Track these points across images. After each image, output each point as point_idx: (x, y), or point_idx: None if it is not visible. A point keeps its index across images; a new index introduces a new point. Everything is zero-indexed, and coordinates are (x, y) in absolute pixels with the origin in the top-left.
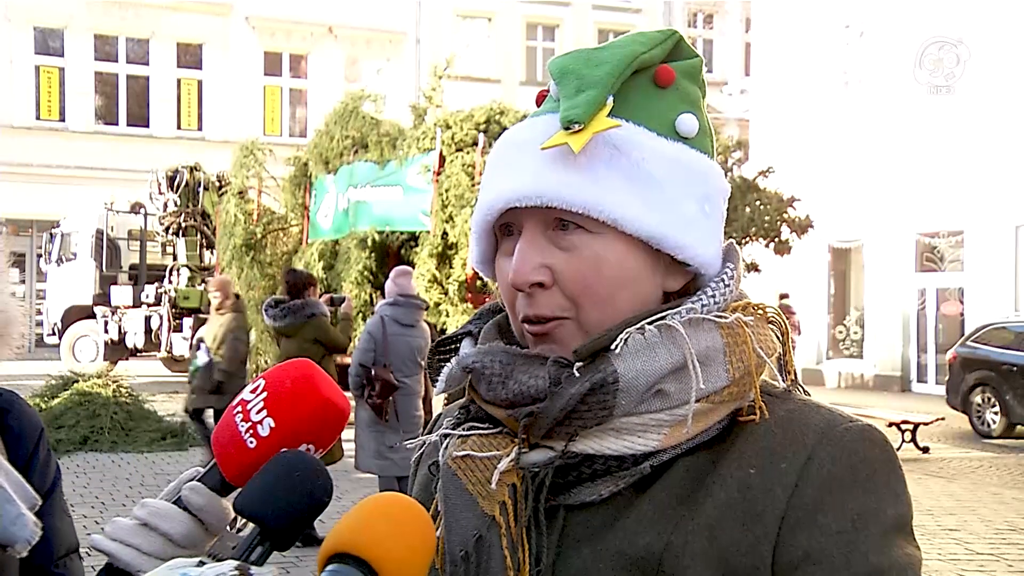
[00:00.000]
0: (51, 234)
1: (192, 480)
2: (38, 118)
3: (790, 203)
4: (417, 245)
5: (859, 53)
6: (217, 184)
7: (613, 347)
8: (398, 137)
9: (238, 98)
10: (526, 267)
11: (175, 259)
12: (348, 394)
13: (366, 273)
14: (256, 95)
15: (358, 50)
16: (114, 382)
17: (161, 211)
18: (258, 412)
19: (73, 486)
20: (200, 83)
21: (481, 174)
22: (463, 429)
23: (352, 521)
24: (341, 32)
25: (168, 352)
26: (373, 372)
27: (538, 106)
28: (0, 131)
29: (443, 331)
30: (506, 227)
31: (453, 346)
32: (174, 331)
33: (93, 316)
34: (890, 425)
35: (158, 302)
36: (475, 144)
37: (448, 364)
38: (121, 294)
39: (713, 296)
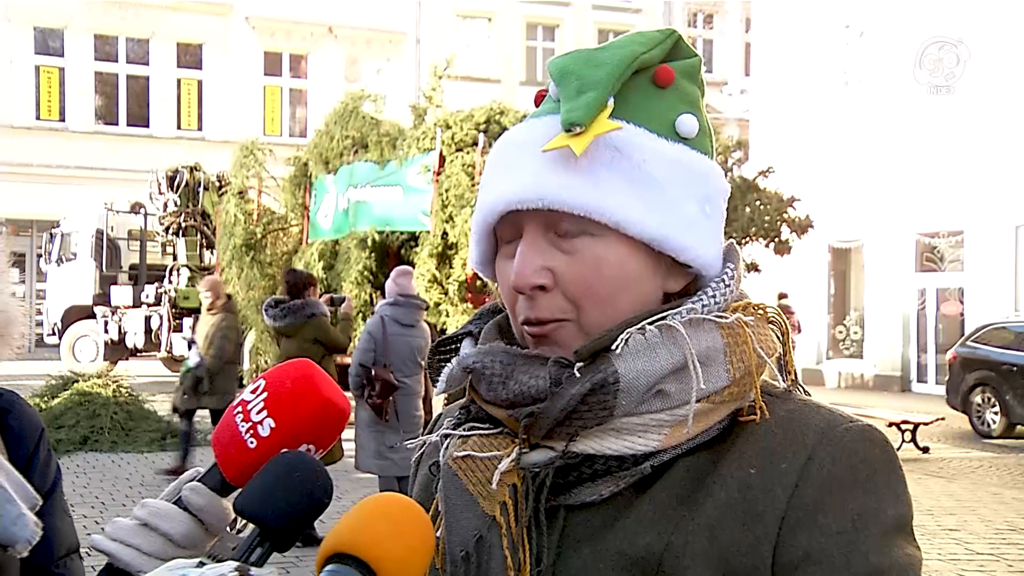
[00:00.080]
0: (51, 234)
1: (192, 480)
2: (38, 118)
3: (790, 203)
4: (417, 245)
5: (859, 53)
6: (217, 184)
7: (614, 347)
8: (398, 137)
9: (238, 98)
10: (527, 269)
11: (175, 259)
12: (348, 394)
13: (366, 273)
14: (256, 95)
15: (358, 50)
16: (114, 382)
17: (161, 211)
18: (258, 412)
19: (73, 486)
20: (200, 83)
21: (481, 174)
22: (464, 429)
23: (351, 521)
24: (341, 32)
25: (168, 352)
26: (373, 372)
27: (537, 106)
28: (0, 131)
29: (443, 331)
30: (507, 229)
31: (453, 346)
32: (174, 331)
33: (93, 316)
34: (890, 425)
35: (158, 302)
36: (475, 144)
37: (448, 364)
38: (121, 294)
39: (714, 296)
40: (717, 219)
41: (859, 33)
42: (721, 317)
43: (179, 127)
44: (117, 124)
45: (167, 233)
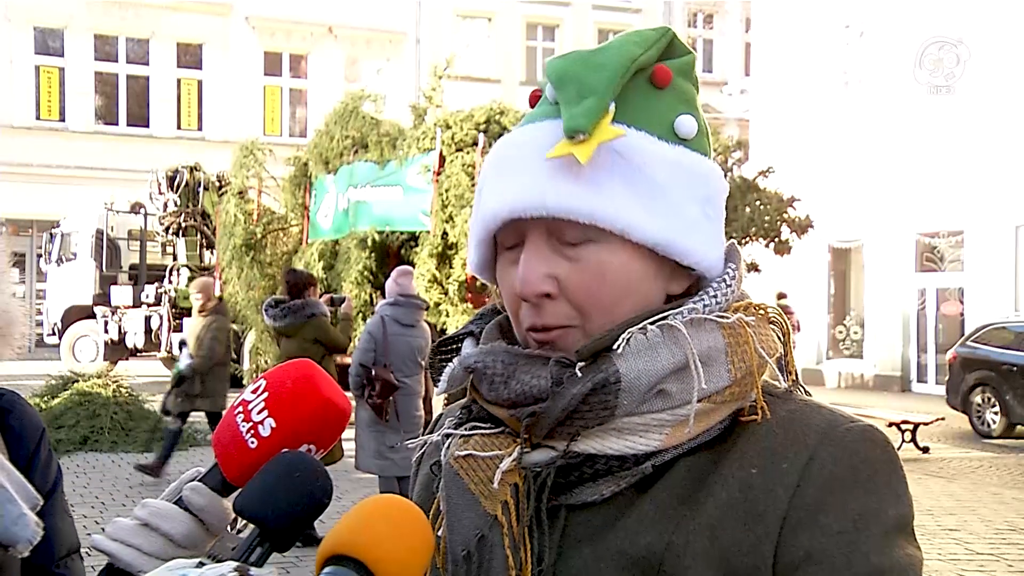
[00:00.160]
0: (51, 234)
1: (193, 480)
2: (38, 118)
3: (790, 203)
4: (417, 245)
5: (859, 53)
6: (217, 184)
7: (615, 347)
8: (398, 137)
9: (238, 98)
10: (532, 277)
11: (175, 259)
12: (348, 394)
13: (366, 273)
14: (256, 95)
15: (358, 50)
16: (114, 382)
17: (161, 211)
18: (259, 412)
19: (73, 486)
20: (200, 83)
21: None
22: (465, 429)
23: (351, 523)
24: (341, 32)
25: (168, 352)
26: (373, 372)
27: (531, 106)
28: (0, 131)
29: (443, 331)
30: (508, 235)
31: (455, 346)
32: (174, 331)
33: (93, 316)
34: (890, 425)
35: (158, 302)
36: (475, 144)
37: (450, 364)
38: (121, 294)
39: (715, 296)
40: (718, 220)
41: (859, 33)
42: (722, 317)
43: (179, 127)
44: (117, 124)
45: (167, 233)
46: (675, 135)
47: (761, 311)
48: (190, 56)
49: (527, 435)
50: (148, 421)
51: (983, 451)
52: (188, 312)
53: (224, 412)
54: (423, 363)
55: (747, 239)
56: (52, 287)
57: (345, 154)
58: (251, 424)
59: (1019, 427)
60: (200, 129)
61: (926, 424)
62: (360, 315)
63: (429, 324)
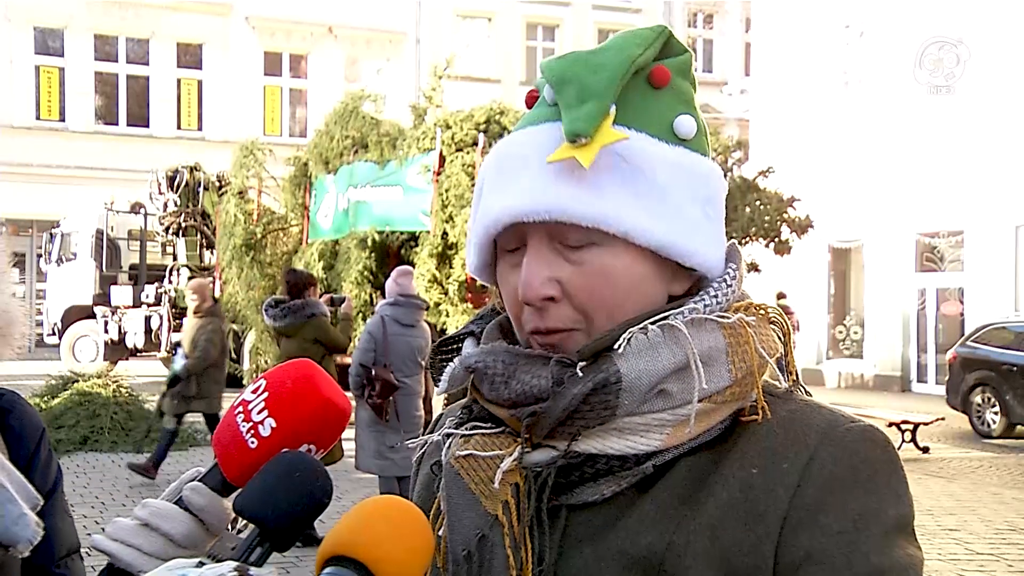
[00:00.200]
0: (51, 234)
1: (193, 480)
2: (38, 118)
3: (790, 203)
4: (417, 245)
5: (859, 53)
6: (217, 184)
7: (616, 347)
8: (398, 137)
9: (238, 98)
10: (536, 281)
11: (175, 259)
12: (348, 394)
13: (366, 273)
14: (256, 95)
15: (358, 50)
16: (114, 382)
17: (161, 211)
18: (259, 412)
19: (73, 486)
20: (200, 83)
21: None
22: (466, 429)
23: (351, 523)
24: (341, 32)
25: (168, 352)
26: (373, 372)
27: (528, 107)
28: (0, 131)
29: (443, 331)
30: (508, 238)
31: (455, 346)
32: (174, 331)
33: (93, 316)
34: (890, 425)
35: (158, 302)
36: (475, 144)
37: (450, 364)
38: (121, 294)
39: (716, 296)
40: (719, 221)
41: (859, 33)
42: (723, 317)
43: (179, 127)
44: (117, 124)
45: (167, 233)
46: (675, 136)
47: (761, 311)
48: (190, 56)
49: (528, 435)
50: (148, 421)
51: (983, 451)
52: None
53: (220, 413)
54: (423, 363)
55: (747, 239)
56: (52, 287)
57: (345, 154)
58: (251, 424)
59: (1019, 427)
60: (200, 129)
61: (926, 424)
62: (360, 315)
63: (429, 324)
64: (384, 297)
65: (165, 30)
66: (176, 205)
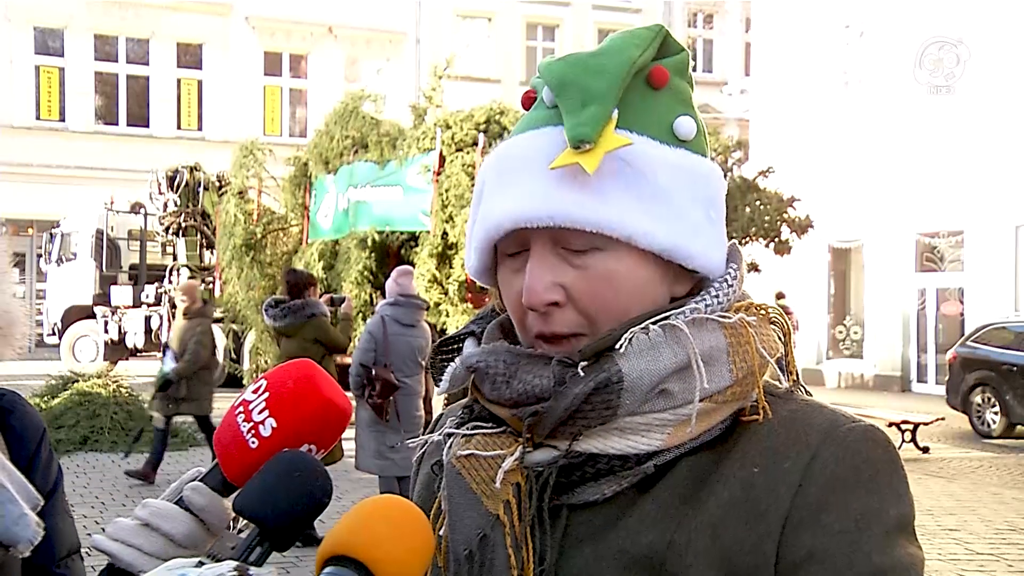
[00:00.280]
0: (51, 234)
1: (194, 480)
2: (38, 118)
3: (790, 203)
4: (417, 245)
5: (859, 53)
6: (217, 184)
7: (618, 347)
8: (398, 137)
9: (238, 98)
10: (540, 287)
11: (175, 259)
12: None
13: (366, 273)
14: (256, 95)
15: (358, 50)
16: (114, 382)
17: (161, 211)
18: (260, 412)
19: (73, 486)
20: (200, 83)
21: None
22: (467, 428)
23: (350, 523)
24: (341, 32)
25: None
26: (374, 372)
27: (525, 107)
28: (0, 131)
29: (443, 331)
30: (510, 243)
31: (456, 346)
32: None
33: (93, 316)
34: (890, 425)
35: (158, 302)
36: (475, 144)
37: (451, 364)
38: (121, 294)
39: (716, 296)
40: (720, 222)
41: (859, 33)
42: (724, 317)
43: (179, 127)
44: (117, 124)
45: (167, 233)
46: (675, 137)
47: (762, 311)
48: (190, 56)
49: (529, 435)
50: (148, 421)
51: (983, 451)
52: None
53: (210, 414)
54: (423, 363)
55: (747, 239)
56: (52, 287)
57: (345, 154)
58: (252, 424)
59: (1019, 427)
60: (200, 129)
61: (926, 424)
62: (360, 315)
63: (429, 324)
64: (384, 297)
65: (165, 30)
66: (176, 205)
